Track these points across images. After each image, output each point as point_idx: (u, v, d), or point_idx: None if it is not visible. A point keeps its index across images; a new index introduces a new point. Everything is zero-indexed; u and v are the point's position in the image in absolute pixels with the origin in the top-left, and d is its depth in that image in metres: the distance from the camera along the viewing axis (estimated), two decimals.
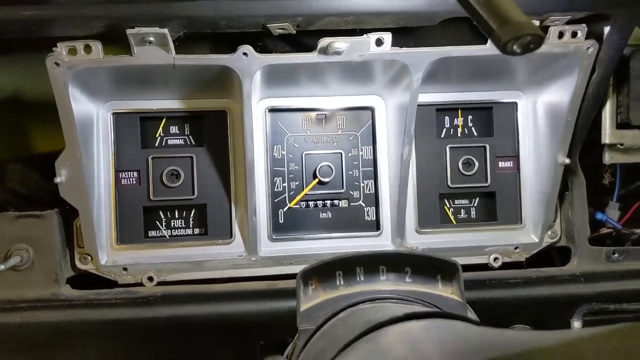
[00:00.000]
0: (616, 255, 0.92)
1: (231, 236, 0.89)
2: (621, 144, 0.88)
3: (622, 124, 0.87)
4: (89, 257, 0.85)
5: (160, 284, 0.86)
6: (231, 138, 0.89)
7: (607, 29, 0.79)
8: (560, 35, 0.80)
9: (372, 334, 0.46)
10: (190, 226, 0.90)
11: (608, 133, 0.88)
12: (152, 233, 0.89)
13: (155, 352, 0.88)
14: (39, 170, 0.95)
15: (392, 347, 0.43)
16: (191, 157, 0.89)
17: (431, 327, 0.45)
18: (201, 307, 0.86)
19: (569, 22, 0.81)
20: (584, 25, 0.80)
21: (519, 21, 0.45)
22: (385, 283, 0.63)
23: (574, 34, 0.80)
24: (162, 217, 0.90)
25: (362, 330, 0.47)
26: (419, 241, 0.92)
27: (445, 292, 0.63)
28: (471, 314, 0.61)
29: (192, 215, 0.90)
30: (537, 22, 0.79)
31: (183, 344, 0.90)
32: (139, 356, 0.88)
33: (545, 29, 0.80)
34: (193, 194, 0.89)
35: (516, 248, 0.92)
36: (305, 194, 0.92)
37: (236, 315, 0.87)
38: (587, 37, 0.81)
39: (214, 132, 0.90)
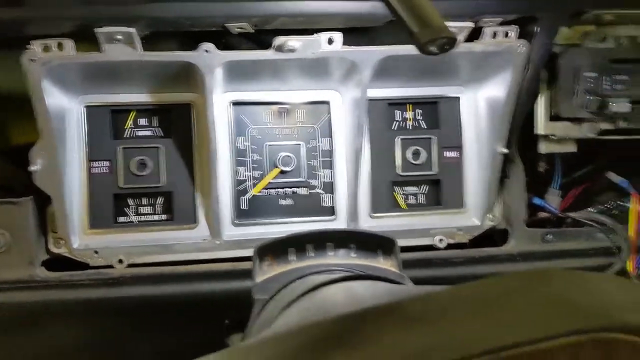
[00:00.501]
0: (550, 236, 1.01)
1: (196, 221, 0.96)
2: (554, 135, 0.97)
3: (554, 117, 0.96)
4: (62, 241, 0.91)
5: (130, 266, 0.92)
6: (196, 130, 0.96)
7: (536, 29, 0.88)
8: (494, 35, 0.89)
9: (313, 292, 0.53)
10: (158, 212, 0.97)
11: (542, 125, 0.96)
12: (121, 219, 0.95)
13: (125, 329, 0.95)
14: (13, 161, 1.00)
15: (330, 296, 0.51)
16: (158, 148, 0.95)
17: (365, 284, 0.53)
18: (168, 287, 0.93)
19: (502, 24, 0.89)
20: (515, 26, 0.89)
21: (436, 25, 0.53)
22: (333, 257, 0.71)
23: (506, 34, 0.89)
24: (131, 203, 0.96)
25: (304, 291, 0.54)
26: (371, 225, 1.00)
27: (385, 264, 0.71)
28: (408, 282, 0.69)
29: (159, 202, 0.97)
30: (472, 24, 0.87)
31: (152, 322, 0.96)
32: (110, 333, 0.95)
33: (479, 29, 0.89)
34: (160, 182, 0.95)
35: (460, 230, 1.00)
36: (268, 183, 0.99)
37: (202, 295, 0.94)
38: (520, 36, 0.90)
39: (180, 124, 0.96)
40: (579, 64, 0.91)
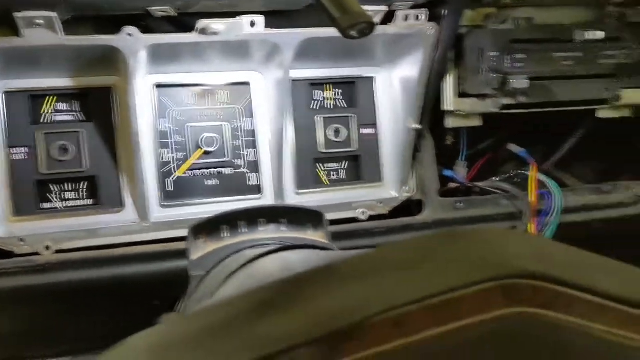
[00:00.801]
0: (460, 204, 1.09)
1: (122, 205, 0.96)
2: (461, 111, 1.05)
3: (461, 94, 1.04)
4: None
5: (57, 252, 0.91)
6: (118, 113, 0.95)
7: (443, 12, 0.95)
8: (406, 18, 0.94)
9: (248, 265, 0.57)
10: (82, 197, 0.96)
11: (450, 101, 1.04)
12: (45, 205, 0.94)
13: (56, 315, 0.94)
14: None
15: (265, 266, 0.54)
16: (80, 132, 0.94)
17: (298, 252, 0.57)
18: (97, 271, 0.93)
19: (413, 7, 0.95)
20: (425, 9, 0.95)
21: (356, 11, 0.57)
22: (265, 232, 0.75)
23: (417, 17, 0.95)
24: (54, 189, 0.94)
25: (245, 262, 0.58)
26: (297, 201, 1.04)
27: (315, 236, 0.76)
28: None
29: (83, 187, 0.96)
30: (385, 8, 0.93)
31: (82, 307, 0.96)
32: (40, 320, 0.94)
33: (392, 13, 0.94)
34: (83, 166, 0.94)
35: (379, 202, 1.06)
36: (192, 164, 1.01)
37: (131, 277, 0.95)
38: (430, 19, 0.96)
39: (102, 108, 0.95)
40: (483, 45, 0.99)
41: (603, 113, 1.11)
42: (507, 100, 1.02)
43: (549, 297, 0.34)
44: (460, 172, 1.17)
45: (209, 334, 0.35)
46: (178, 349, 0.35)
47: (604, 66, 1.05)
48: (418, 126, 1.02)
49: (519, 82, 0.95)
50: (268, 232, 0.74)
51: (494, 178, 1.17)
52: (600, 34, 0.98)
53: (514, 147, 1.16)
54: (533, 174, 1.11)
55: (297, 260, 0.54)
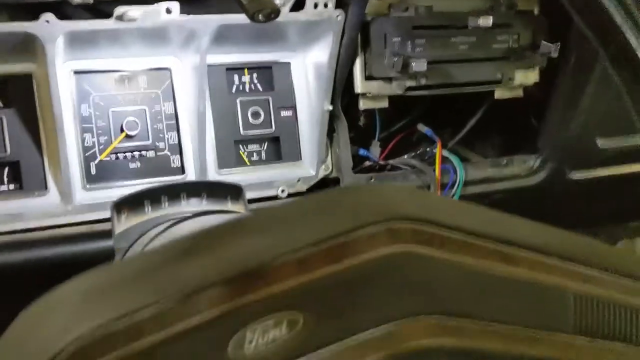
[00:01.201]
0: (373, 180, 1.18)
1: (46, 188, 0.98)
2: (369, 93, 1.13)
3: (369, 77, 1.12)
4: None
5: None
6: (38, 99, 0.97)
7: (350, 0, 1.02)
8: (315, 5, 1.01)
9: (170, 229, 0.62)
10: (5, 182, 0.97)
11: (359, 85, 1.12)
12: None
13: None
14: None
15: (184, 228, 0.60)
16: (1, 118, 0.96)
17: (216, 216, 0.63)
18: (22, 254, 0.95)
19: None
20: None
21: None
22: (186, 206, 0.80)
23: (325, 5, 1.02)
24: None
25: (161, 230, 0.63)
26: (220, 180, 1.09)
27: (234, 208, 0.81)
28: None
29: (5, 172, 0.97)
30: None
31: (8, 290, 0.98)
32: None
33: (303, 1, 1.01)
34: (5, 152, 0.96)
35: (298, 180, 1.13)
36: (115, 147, 1.04)
37: (57, 258, 0.97)
38: (337, 6, 1.04)
39: (21, 94, 0.97)
40: (387, 31, 1.07)
41: (499, 93, 1.22)
42: (409, 83, 1.11)
43: (426, 236, 0.40)
44: (375, 151, 1.26)
45: (136, 276, 0.40)
46: (101, 294, 0.40)
47: (496, 50, 1.15)
48: (330, 107, 1.10)
49: (419, 65, 1.04)
50: (189, 206, 0.80)
51: (404, 156, 1.26)
52: (490, 21, 1.08)
53: (421, 127, 1.25)
54: (438, 151, 1.21)
55: (214, 221, 0.60)
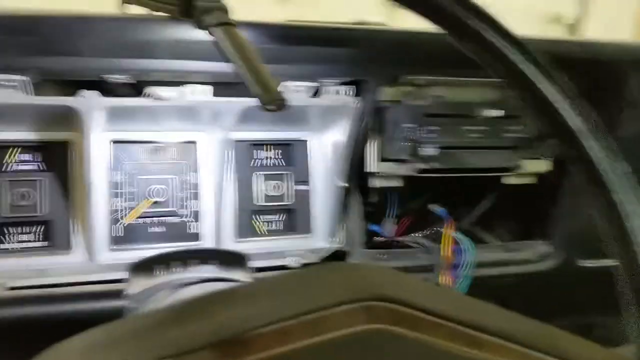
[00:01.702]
0: (381, 256, 1.22)
1: (73, 247, 1.05)
2: (383, 173, 1.19)
3: (383, 159, 1.18)
4: None
5: (11, 289, 1.00)
6: (75, 165, 1.06)
7: (365, 90, 1.10)
8: (334, 92, 1.10)
9: (175, 292, 0.68)
10: (37, 240, 1.05)
11: (373, 165, 1.18)
12: (2, 246, 1.03)
13: (6, 348, 1.01)
14: None
15: (187, 293, 0.65)
16: (39, 181, 1.05)
17: (221, 284, 0.68)
18: (48, 308, 1.01)
19: (343, 83, 1.11)
20: (352, 86, 1.11)
21: (274, 91, 0.71)
22: (196, 272, 0.86)
23: (345, 92, 1.11)
24: (12, 232, 1.04)
25: (166, 295, 0.69)
26: (235, 249, 1.15)
27: (239, 276, 0.87)
28: None
29: (38, 230, 1.05)
30: (316, 84, 1.08)
31: (33, 340, 1.03)
32: None
33: (323, 87, 1.09)
34: (39, 212, 1.04)
35: (310, 252, 1.18)
36: (141, 212, 1.12)
37: (80, 313, 1.03)
38: (357, 94, 1.12)
39: (60, 159, 1.06)
40: (399, 117, 1.14)
41: (508, 180, 1.27)
42: (422, 165, 1.17)
43: (399, 316, 0.43)
44: (388, 228, 1.31)
45: (129, 336, 0.45)
46: (102, 349, 0.45)
47: (505, 139, 1.21)
48: (345, 184, 1.16)
49: (429, 150, 1.10)
50: (197, 272, 0.85)
51: (416, 234, 1.31)
52: (500, 112, 1.14)
53: (433, 207, 1.30)
54: (447, 231, 1.24)
55: (215, 288, 0.66)
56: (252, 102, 1.06)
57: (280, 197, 1.19)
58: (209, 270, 0.84)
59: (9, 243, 1.03)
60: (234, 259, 0.85)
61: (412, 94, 1.15)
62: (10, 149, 1.04)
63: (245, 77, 0.72)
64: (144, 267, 0.82)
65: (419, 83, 1.13)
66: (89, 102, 0.97)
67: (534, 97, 0.52)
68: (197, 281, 0.71)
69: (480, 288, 1.32)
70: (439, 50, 1.11)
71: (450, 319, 0.47)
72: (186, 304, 0.50)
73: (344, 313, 0.42)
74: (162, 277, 0.83)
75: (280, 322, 0.40)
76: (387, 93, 1.13)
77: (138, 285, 0.82)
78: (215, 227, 1.13)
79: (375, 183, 1.20)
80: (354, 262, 0.54)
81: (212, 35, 0.75)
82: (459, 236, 1.27)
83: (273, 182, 1.19)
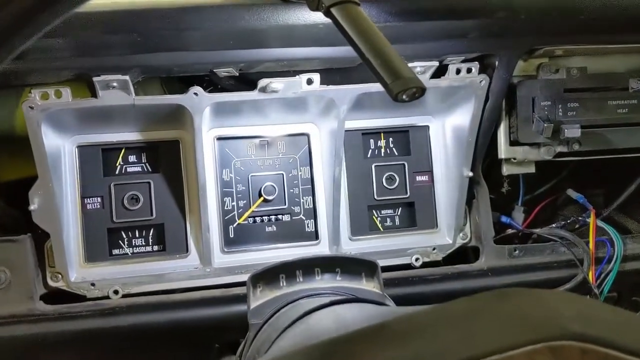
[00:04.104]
0: (517, 252, 1.09)
1: (187, 251, 1.01)
2: (514, 158, 1.05)
3: (514, 142, 1.05)
4: (60, 276, 0.95)
5: (125, 296, 0.97)
6: (184, 164, 1.01)
7: (495, 64, 0.97)
8: (458, 71, 0.97)
9: (304, 318, 0.60)
10: (150, 244, 1.02)
11: (503, 150, 1.05)
12: (116, 251, 1.00)
13: (122, 357, 0.99)
14: (2, 198, 1.04)
15: (320, 321, 0.57)
16: (149, 183, 1.01)
17: (351, 306, 0.60)
18: (162, 315, 0.98)
19: (465, 61, 0.98)
20: (476, 63, 0.98)
21: (407, 77, 0.60)
22: (320, 282, 0.78)
23: (469, 70, 0.98)
24: (124, 236, 1.01)
25: (301, 314, 0.61)
26: (352, 247, 1.07)
27: (369, 286, 0.78)
28: (389, 302, 0.76)
29: (151, 234, 1.02)
30: (437, 63, 0.96)
31: (147, 348, 1.01)
32: None
33: (445, 66, 0.97)
34: (151, 215, 1.00)
35: (434, 249, 1.08)
36: (252, 211, 1.05)
37: (194, 320, 0.99)
38: (481, 71, 0.99)
39: (169, 159, 1.02)
40: (535, 94, 1.00)
41: None
42: (560, 148, 1.03)
43: (591, 357, 0.35)
44: (518, 218, 1.17)
45: None
46: None
47: None
48: (471, 173, 1.04)
49: (572, 131, 0.95)
50: (323, 282, 0.77)
51: (552, 225, 1.16)
52: None
53: (572, 193, 1.15)
54: (592, 221, 1.09)
55: (351, 316, 0.57)
56: (367, 87, 0.96)
57: (399, 190, 1.09)
58: (336, 280, 0.76)
59: (121, 249, 1.00)
60: (362, 267, 0.76)
61: (548, 66, 1.00)
62: (118, 151, 1.01)
63: (370, 62, 0.62)
64: (265, 277, 0.75)
65: (557, 53, 0.98)
66: (200, 99, 0.91)
67: None
68: (326, 302, 0.63)
69: (627, 284, 1.16)
70: (579, 13, 0.96)
71: None
72: (327, 343, 0.42)
73: (527, 355, 0.34)
74: (284, 289, 0.76)
75: None
76: (519, 66, 0.98)
77: (259, 297, 0.76)
78: (332, 224, 1.04)
79: (507, 170, 1.07)
80: (525, 289, 0.44)
81: (330, 17, 0.65)
82: (604, 225, 1.12)
83: (391, 174, 1.09)
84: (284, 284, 0.77)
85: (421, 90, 0.60)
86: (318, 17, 0.79)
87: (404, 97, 0.60)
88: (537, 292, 0.46)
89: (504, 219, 1.14)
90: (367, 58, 0.63)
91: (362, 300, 0.63)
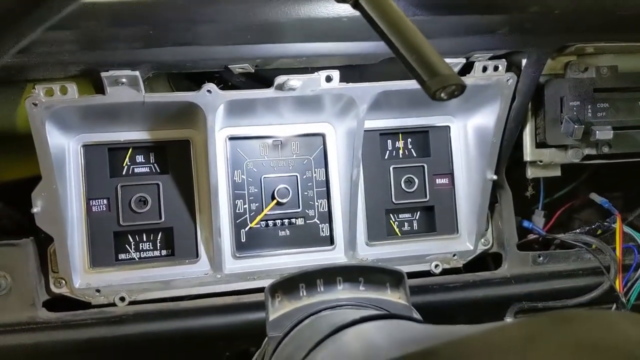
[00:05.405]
0: (541, 258, 1.04)
1: (197, 256, 0.96)
2: (540, 161, 1.01)
3: (540, 144, 1.00)
4: (63, 281, 0.91)
5: (131, 303, 0.92)
6: (195, 165, 0.97)
7: (524, 62, 0.92)
8: (484, 69, 0.92)
9: (334, 336, 0.55)
10: (158, 248, 0.97)
11: (529, 152, 1.00)
12: (122, 256, 0.95)
13: None
14: (2, 199, 0.99)
15: (351, 344, 0.52)
16: (157, 184, 0.96)
17: (381, 326, 0.55)
18: (171, 323, 0.93)
19: (491, 58, 0.93)
20: (504, 60, 0.93)
21: (446, 74, 0.55)
22: (342, 292, 0.73)
23: (496, 68, 0.93)
24: (132, 240, 0.96)
25: (327, 333, 0.56)
26: (369, 253, 1.02)
27: (394, 297, 0.73)
28: (416, 315, 0.71)
29: (159, 238, 0.97)
30: (463, 60, 0.91)
31: (154, 358, 0.96)
32: None
33: (471, 64, 0.92)
34: (160, 218, 0.95)
35: (454, 255, 1.03)
36: (265, 214, 1.00)
37: (204, 328, 0.95)
38: (508, 70, 0.94)
39: (178, 160, 0.97)
40: (564, 94, 0.95)
41: None
42: (589, 151, 0.98)
43: None
44: (539, 222, 1.12)
45: None
46: None
47: None
48: (495, 177, 0.99)
49: (603, 133, 0.91)
50: (345, 292, 0.72)
51: (576, 230, 1.11)
52: None
53: (596, 197, 1.10)
54: (618, 226, 1.05)
55: (379, 338, 0.52)
56: (389, 85, 0.92)
57: (417, 193, 1.04)
58: (359, 291, 0.71)
59: (128, 253, 0.96)
60: (387, 277, 0.71)
61: (577, 64, 0.95)
62: (125, 151, 0.96)
63: (404, 57, 0.57)
64: (284, 286, 0.70)
65: (587, 51, 0.93)
66: (214, 96, 0.86)
67: None
68: (352, 320, 0.58)
69: None
70: (614, 8, 0.91)
71: None
72: None
73: None
74: (304, 299, 0.71)
75: None
76: (547, 65, 0.94)
77: (278, 308, 0.71)
78: (348, 229, 0.99)
79: (532, 173, 1.02)
80: (585, 310, 0.40)
81: (358, 9, 0.61)
82: (631, 232, 1.07)
83: (409, 176, 1.04)
84: (304, 294, 0.72)
85: (461, 88, 0.56)
86: (343, 10, 0.74)
87: (442, 95, 0.56)
88: (600, 315, 0.42)
89: (526, 223, 1.10)
90: (401, 53, 0.58)
91: (390, 316, 0.58)
